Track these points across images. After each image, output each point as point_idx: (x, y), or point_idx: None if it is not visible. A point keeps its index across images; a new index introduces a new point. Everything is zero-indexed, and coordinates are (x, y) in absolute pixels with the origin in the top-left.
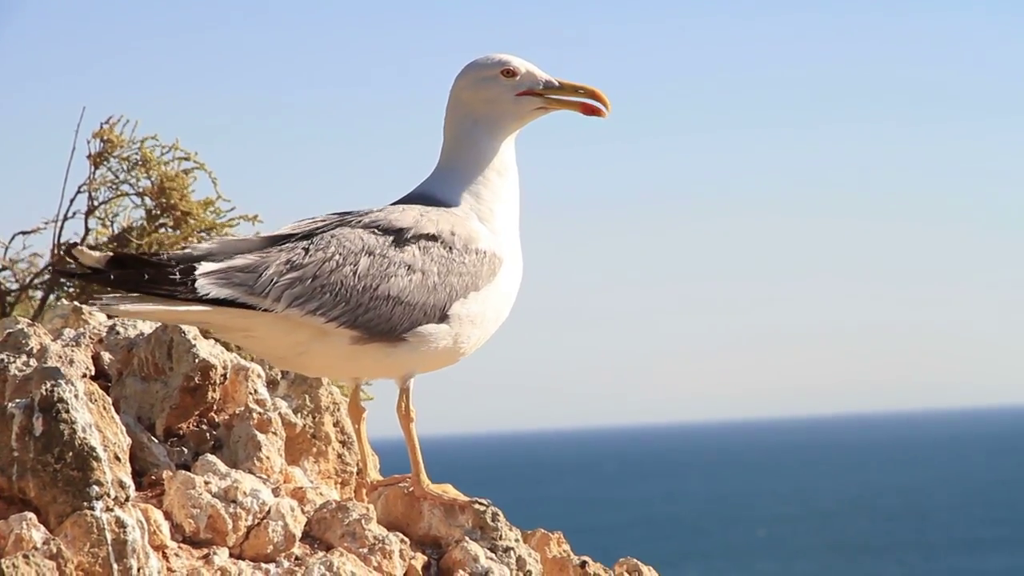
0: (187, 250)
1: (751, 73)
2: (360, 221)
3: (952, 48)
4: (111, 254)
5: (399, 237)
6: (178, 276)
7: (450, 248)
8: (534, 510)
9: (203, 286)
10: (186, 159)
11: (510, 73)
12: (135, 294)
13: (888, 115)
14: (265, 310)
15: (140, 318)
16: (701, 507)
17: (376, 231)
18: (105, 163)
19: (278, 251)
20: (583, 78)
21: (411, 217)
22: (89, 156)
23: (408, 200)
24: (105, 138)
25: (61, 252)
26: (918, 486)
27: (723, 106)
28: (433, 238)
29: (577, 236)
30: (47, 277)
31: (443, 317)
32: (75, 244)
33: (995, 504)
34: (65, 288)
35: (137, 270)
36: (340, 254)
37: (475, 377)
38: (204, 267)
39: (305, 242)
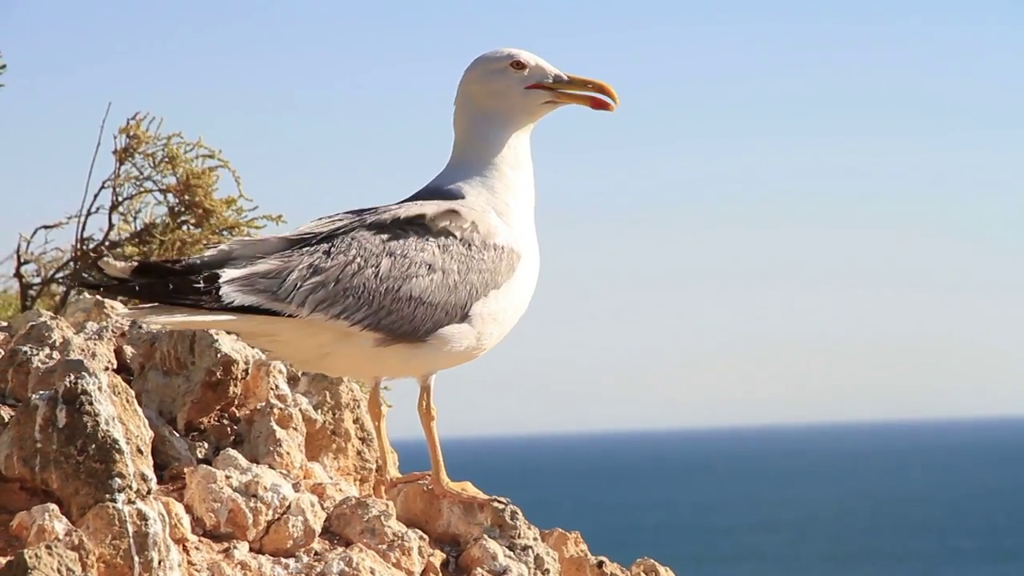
0: (207, 253)
1: (762, 81)
2: (379, 220)
3: (958, 59)
4: (136, 263)
5: (419, 235)
6: (202, 285)
7: (469, 245)
8: (549, 513)
9: (227, 294)
10: (210, 156)
11: (519, 66)
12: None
13: (895, 125)
14: (290, 315)
15: (170, 327)
16: (709, 513)
17: (396, 230)
18: (130, 159)
19: (300, 255)
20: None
21: (430, 214)
22: (115, 152)
23: (422, 196)
24: (132, 134)
25: (80, 252)
26: (910, 495)
27: (729, 114)
28: (453, 235)
29: (586, 240)
30: (69, 271)
31: (464, 316)
32: (102, 255)
33: (984, 515)
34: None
35: (161, 280)
36: (362, 256)
37: (494, 379)
38: (227, 274)
39: (326, 245)
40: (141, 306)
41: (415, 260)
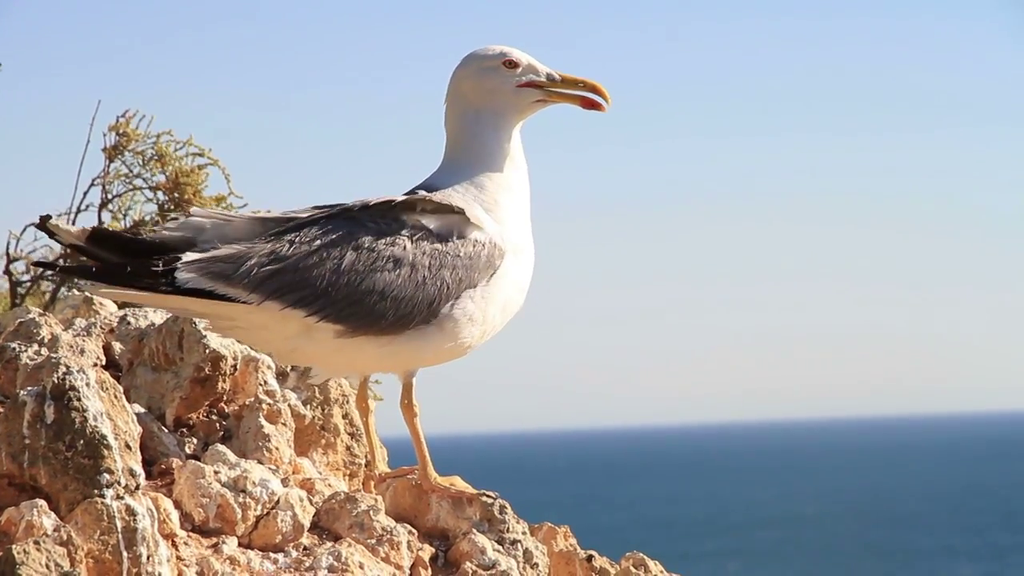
0: (169, 226)
1: (759, 77)
2: (351, 212)
3: (953, 55)
4: (90, 229)
5: (390, 228)
6: (160, 267)
7: (445, 240)
8: (538, 508)
9: (182, 277)
10: (200, 155)
11: (511, 64)
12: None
13: (887, 121)
14: (244, 302)
15: (122, 300)
16: (698, 509)
17: (368, 222)
18: (120, 157)
19: (264, 242)
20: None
21: (406, 208)
22: (104, 149)
23: (412, 193)
24: (121, 132)
25: (69, 250)
26: (905, 491)
27: (725, 111)
28: (427, 229)
29: (577, 237)
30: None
31: (433, 313)
32: (49, 216)
33: (975, 511)
34: (76, 281)
35: (119, 263)
36: (325, 247)
37: (486, 376)
38: (187, 257)
39: (292, 234)
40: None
41: (382, 254)
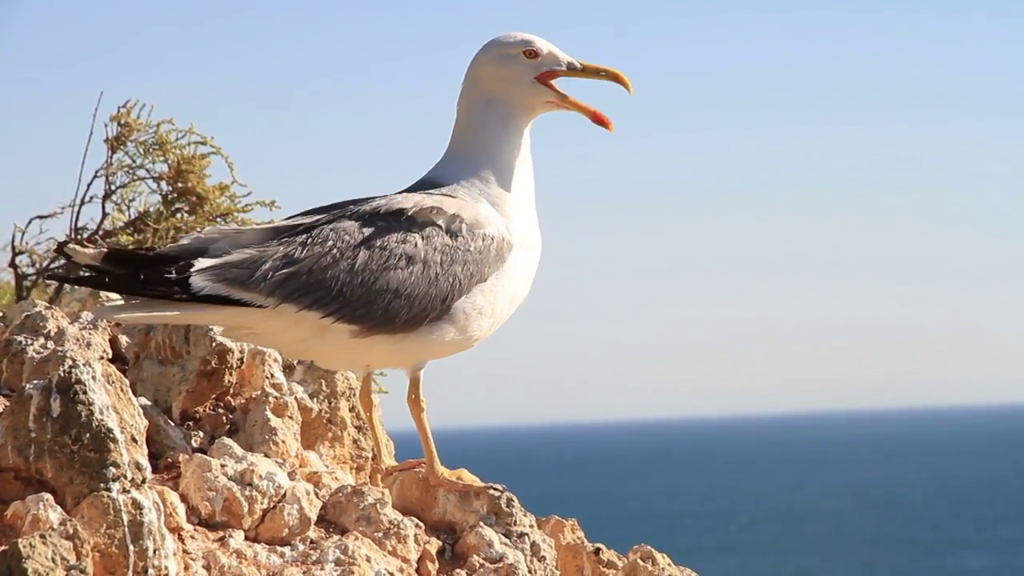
0: (184, 241)
1: (756, 71)
2: (361, 211)
3: (951, 49)
4: (106, 249)
5: (401, 226)
6: (174, 275)
7: (455, 235)
8: (545, 502)
9: (197, 283)
10: (202, 143)
11: (532, 54)
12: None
13: (890, 115)
14: (260, 306)
15: (135, 322)
16: (703, 502)
17: (378, 221)
18: (122, 147)
19: (276, 245)
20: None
21: (415, 205)
22: (106, 140)
23: (418, 187)
24: (122, 122)
25: (56, 251)
26: (909, 484)
27: (723, 105)
28: (437, 226)
29: (580, 231)
30: (63, 262)
31: (446, 309)
32: (65, 242)
33: (982, 504)
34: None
35: (133, 272)
36: (338, 248)
37: (492, 369)
38: (200, 263)
39: (304, 236)
40: (109, 304)
41: (394, 252)
